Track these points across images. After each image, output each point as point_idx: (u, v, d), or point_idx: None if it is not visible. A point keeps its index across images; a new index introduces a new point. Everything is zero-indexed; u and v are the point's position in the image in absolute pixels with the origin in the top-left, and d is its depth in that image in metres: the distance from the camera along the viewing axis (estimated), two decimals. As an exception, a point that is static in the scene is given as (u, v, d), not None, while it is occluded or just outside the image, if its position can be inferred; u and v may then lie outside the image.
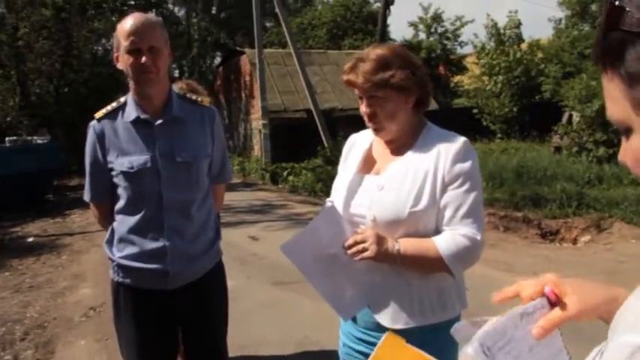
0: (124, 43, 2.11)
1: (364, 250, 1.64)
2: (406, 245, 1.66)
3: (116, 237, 2.28)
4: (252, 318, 3.22)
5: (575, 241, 7.71)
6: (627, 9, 0.56)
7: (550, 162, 11.65)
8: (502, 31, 20.37)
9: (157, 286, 2.25)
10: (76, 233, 9.51)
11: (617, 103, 0.63)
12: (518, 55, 19.64)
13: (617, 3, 0.57)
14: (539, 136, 16.52)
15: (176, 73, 31.37)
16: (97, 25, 21.79)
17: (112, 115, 2.26)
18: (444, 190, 1.67)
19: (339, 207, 1.79)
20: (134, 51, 2.09)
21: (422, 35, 26.80)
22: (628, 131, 0.64)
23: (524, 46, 20.48)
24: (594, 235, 7.72)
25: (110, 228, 2.32)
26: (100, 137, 2.24)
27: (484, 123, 19.54)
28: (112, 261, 2.30)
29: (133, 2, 28.19)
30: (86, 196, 2.35)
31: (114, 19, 23.26)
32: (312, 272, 1.75)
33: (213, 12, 34.74)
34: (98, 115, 2.28)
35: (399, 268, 1.67)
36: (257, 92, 18.16)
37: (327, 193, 2.09)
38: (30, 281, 6.53)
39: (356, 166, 1.88)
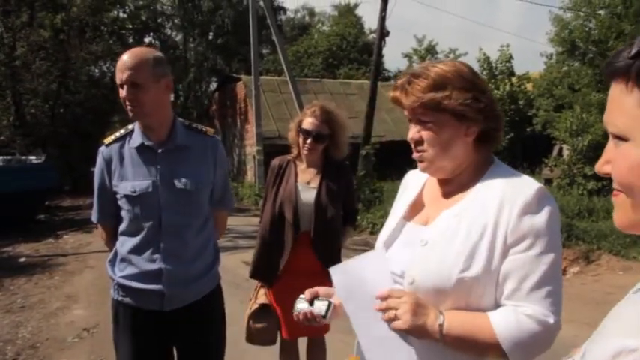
0: (116, 77, 2.24)
1: (396, 317, 1.30)
2: (453, 320, 1.28)
3: (118, 257, 2.39)
4: (245, 343, 3.25)
5: (564, 272, 7.80)
6: None
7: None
8: (494, 64, 20.76)
9: (154, 307, 2.33)
10: (69, 254, 9.47)
11: (626, 115, 0.68)
12: (508, 88, 20.00)
13: None
14: (530, 168, 16.76)
15: (171, 97, 31.48)
16: (94, 47, 21.97)
17: (120, 142, 2.38)
18: (505, 252, 1.28)
19: None
20: (120, 85, 2.22)
21: (416, 67, 27.21)
22: (621, 140, 0.69)
23: (515, 79, 20.87)
24: (583, 266, 7.82)
25: (114, 248, 2.42)
26: (108, 162, 2.35)
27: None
28: (113, 280, 2.40)
29: (130, 26, 28.57)
30: (94, 218, 2.48)
31: (111, 42, 23.54)
32: (354, 309, 1.43)
33: (210, 38, 35.10)
34: (107, 140, 2.40)
35: (442, 346, 1.30)
36: (252, 118, 18.32)
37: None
38: (22, 301, 6.50)
39: (403, 210, 1.53)
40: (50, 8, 21.58)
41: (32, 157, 14.55)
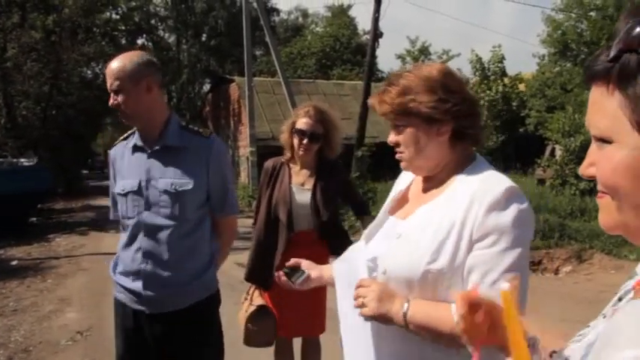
0: None
1: (364, 305, 1.39)
2: (417, 309, 1.34)
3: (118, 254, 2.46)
4: (241, 346, 3.25)
5: (557, 272, 7.85)
6: None
7: (533, 194, 11.87)
8: (486, 65, 20.85)
9: (137, 307, 2.34)
10: (62, 257, 9.44)
11: (608, 117, 0.68)
12: (501, 89, 20.10)
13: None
14: (523, 169, 16.82)
15: (162, 97, 31.35)
16: (87, 49, 21.89)
17: (124, 142, 2.47)
18: (470, 248, 1.32)
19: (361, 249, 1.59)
20: (109, 91, 2.31)
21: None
22: (605, 142, 0.69)
23: (507, 80, 20.97)
24: (575, 265, 7.87)
25: None
26: (113, 162, 2.47)
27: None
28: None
29: (123, 27, 28.50)
30: (110, 215, 2.58)
31: (103, 43, 23.48)
32: (341, 296, 1.55)
33: (204, 39, 35.09)
34: (117, 141, 2.52)
35: (406, 334, 1.37)
36: (245, 120, 18.31)
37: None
38: (14, 305, 6.47)
39: (388, 204, 1.63)
40: (41, 9, 21.48)
41: (24, 160, 14.48)
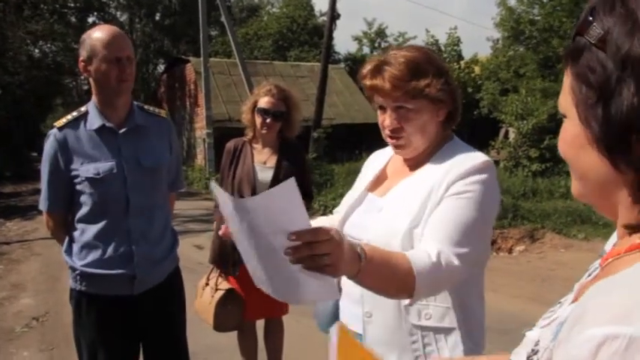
0: (103, 52, 2.17)
1: (327, 264, 1.07)
2: (373, 251, 1.19)
3: (77, 245, 2.29)
4: (201, 325, 3.24)
5: (510, 251, 8.12)
6: (594, 23, 0.69)
7: (487, 175, 12.22)
8: (442, 47, 21.10)
9: (122, 292, 2.29)
10: (13, 242, 9.14)
11: (564, 94, 0.76)
12: (457, 73, 20.39)
13: (589, 17, 0.70)
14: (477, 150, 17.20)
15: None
16: (34, 26, 20.93)
17: (74, 124, 2.28)
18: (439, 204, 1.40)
19: (339, 224, 1.59)
20: (115, 60, 2.17)
21: (366, 50, 27.40)
22: (565, 118, 0.76)
23: (463, 64, 21.28)
24: (528, 244, 8.16)
25: (68, 237, 2.33)
26: (63, 145, 2.24)
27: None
28: (74, 270, 2.30)
29: (72, 4, 27.40)
30: (42, 206, 2.33)
31: (52, 21, 22.50)
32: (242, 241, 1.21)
33: (157, 18, 34.19)
34: (59, 123, 2.30)
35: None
36: (201, 101, 18.03)
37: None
38: (-37, 292, 6.25)
39: (367, 182, 1.66)
40: (-18, -18, 20.41)
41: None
